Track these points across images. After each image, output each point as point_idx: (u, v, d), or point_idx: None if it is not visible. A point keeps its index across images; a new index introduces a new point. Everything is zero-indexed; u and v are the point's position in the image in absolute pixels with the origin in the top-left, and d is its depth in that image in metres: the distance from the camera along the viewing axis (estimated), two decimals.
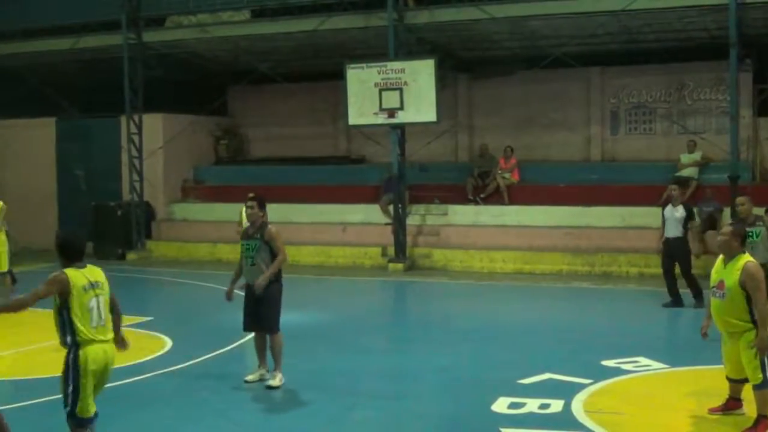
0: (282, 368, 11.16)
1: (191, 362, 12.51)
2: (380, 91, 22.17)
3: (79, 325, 7.50)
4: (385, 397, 10.80)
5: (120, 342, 8.16)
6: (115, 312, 8.05)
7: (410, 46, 23.29)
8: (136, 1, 25.71)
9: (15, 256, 23.58)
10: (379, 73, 22.23)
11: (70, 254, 7.76)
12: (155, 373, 11.97)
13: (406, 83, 21.98)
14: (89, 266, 7.85)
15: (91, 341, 7.57)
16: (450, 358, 12.88)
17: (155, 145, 26.92)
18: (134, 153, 26.26)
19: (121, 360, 12.60)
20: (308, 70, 27.75)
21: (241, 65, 27.12)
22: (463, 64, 26.63)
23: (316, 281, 21.43)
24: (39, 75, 28.19)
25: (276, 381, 11.03)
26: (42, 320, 14.16)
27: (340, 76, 23.06)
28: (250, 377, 11.19)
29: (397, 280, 21.67)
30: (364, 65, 22.53)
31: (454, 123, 26.46)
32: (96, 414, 7.87)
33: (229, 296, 11.35)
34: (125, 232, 26.31)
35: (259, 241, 11.03)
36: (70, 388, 7.63)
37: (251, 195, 17.33)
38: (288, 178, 26.86)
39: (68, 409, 7.68)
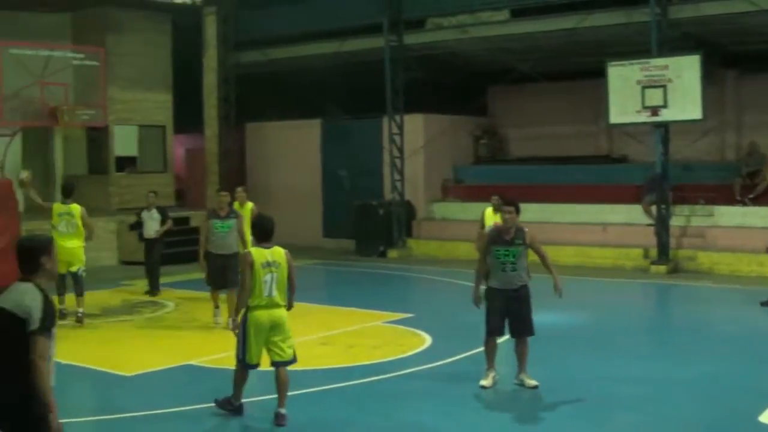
0: None
1: (449, 360, 12.63)
2: (643, 88, 21.71)
3: (254, 293, 9.49)
4: (645, 401, 10.53)
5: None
6: (290, 288, 9.81)
7: (674, 42, 22.61)
8: (397, 4, 26.23)
9: None
10: (641, 71, 21.77)
11: (259, 234, 9.84)
12: (415, 369, 12.15)
13: (670, 80, 21.42)
14: (276, 247, 9.70)
15: (259, 307, 9.52)
16: (713, 364, 12.43)
17: (416, 145, 27.36)
18: (395, 153, 26.78)
19: (384, 355, 12.96)
20: (568, 69, 27.46)
21: (501, 65, 27.16)
22: (730, 59, 25.64)
23: (575, 282, 21.11)
24: (306, 78, 29.21)
25: (535, 381, 10.98)
26: (304, 315, 14.63)
27: (600, 74, 22.70)
28: (486, 382, 11.03)
29: (659, 282, 21.11)
30: (625, 62, 22.12)
31: (720, 120, 25.53)
32: (258, 364, 9.72)
33: (480, 302, 11.12)
34: (386, 230, 26.82)
35: (522, 246, 10.85)
36: (240, 338, 9.62)
37: (496, 197, 17.27)
38: (547, 177, 26.68)
39: (239, 356, 9.67)
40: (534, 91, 28.31)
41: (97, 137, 27.71)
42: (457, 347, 13.15)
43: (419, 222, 27.83)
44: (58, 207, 16.03)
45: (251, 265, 9.47)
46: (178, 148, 31.89)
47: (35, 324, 5.91)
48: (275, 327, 9.59)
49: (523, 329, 11.04)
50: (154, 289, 19.31)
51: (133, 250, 22.80)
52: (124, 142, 28.33)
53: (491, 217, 17.34)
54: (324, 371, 12.10)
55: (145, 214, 19.45)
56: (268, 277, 9.49)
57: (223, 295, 15.23)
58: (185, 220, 26.91)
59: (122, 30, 28.07)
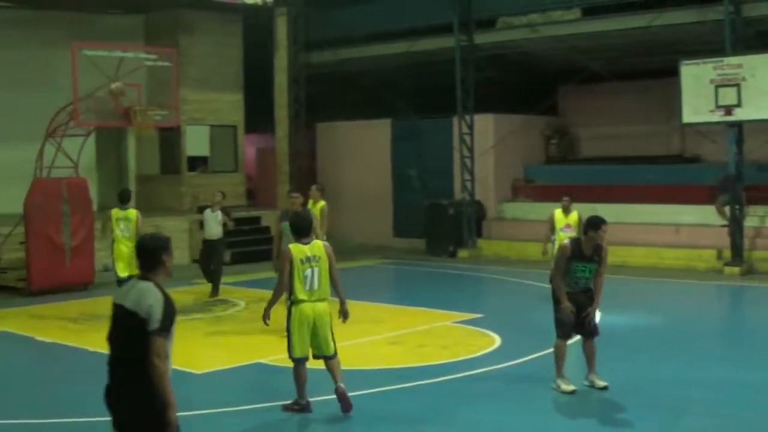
0: None
1: (518, 360, 12.58)
2: (716, 87, 21.39)
3: (295, 288, 9.69)
4: (717, 405, 10.41)
5: (342, 312, 10.15)
6: (334, 284, 9.98)
7: (748, 40, 22.26)
8: (467, 3, 26.17)
9: (350, 253, 24.56)
10: (714, 69, 21.45)
11: (297, 232, 9.99)
12: (484, 369, 12.13)
13: (744, 79, 21.07)
14: (314, 242, 9.95)
15: (302, 301, 9.74)
16: None
17: (486, 145, 27.29)
18: (466, 153, 26.71)
19: (453, 355, 12.96)
20: (640, 68, 27.18)
21: (572, 64, 26.94)
22: None
23: (645, 283, 20.97)
24: (376, 78, 29.27)
25: (604, 381, 10.92)
26: (377, 314, 14.71)
27: (673, 72, 22.43)
28: (572, 386, 10.86)
29: (732, 284, 20.80)
30: (699, 61, 21.83)
31: None
32: (306, 358, 9.95)
33: (568, 312, 10.79)
34: (457, 230, 26.74)
35: (598, 264, 10.78)
36: (287, 335, 9.92)
37: (567, 198, 17.13)
38: (619, 177, 26.42)
39: (288, 350, 9.95)
40: (605, 91, 28.07)
41: (169, 137, 28.04)
42: (526, 348, 13.09)
43: (489, 222, 27.74)
44: (116, 212, 16.78)
45: (291, 261, 9.69)
46: (249, 147, 32.13)
47: (155, 324, 6.00)
48: (319, 320, 9.82)
49: (593, 329, 11.00)
50: (216, 290, 19.14)
51: None
52: (195, 142, 28.61)
53: (561, 219, 17.27)
54: (394, 370, 12.15)
55: (208, 214, 19.18)
56: (308, 271, 9.71)
57: None
58: (256, 220, 27.18)
59: (194, 31, 28.38)
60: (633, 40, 24.37)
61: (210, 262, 19.18)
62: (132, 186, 28.87)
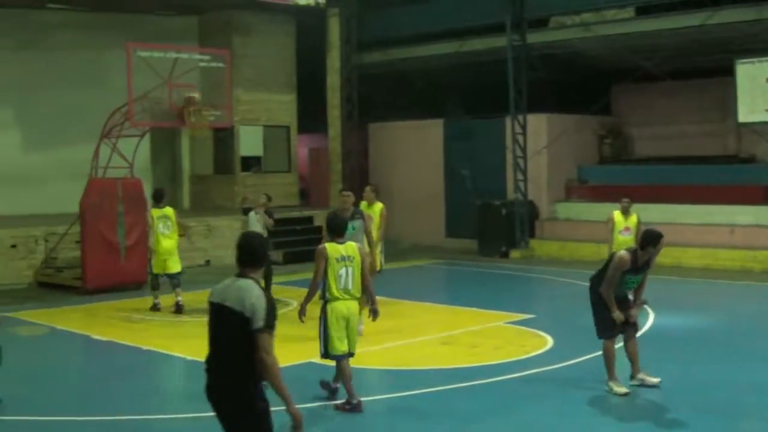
0: None
1: (571, 361, 12.51)
2: None
3: (330, 285, 9.92)
4: None
5: (372, 312, 10.45)
6: (365, 283, 10.19)
7: None
8: (520, 3, 26.08)
9: (402, 253, 24.53)
10: None
11: (332, 231, 10.25)
12: (537, 370, 12.09)
13: None
14: (348, 243, 10.19)
15: (337, 299, 9.96)
16: None
17: (539, 145, 27.17)
18: (518, 153, 26.61)
19: (505, 356, 12.93)
20: (694, 67, 26.92)
21: (625, 63, 26.77)
22: None
23: (700, 284, 20.77)
24: (428, 78, 29.27)
25: (656, 378, 10.97)
26: (429, 314, 14.71)
27: (728, 71, 22.24)
28: (625, 388, 10.84)
29: None
30: (755, 60, 21.63)
31: None
32: (348, 353, 10.12)
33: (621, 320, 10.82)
34: (509, 230, 26.65)
35: (643, 274, 10.85)
36: (321, 332, 10.06)
37: (627, 199, 16.95)
38: (673, 177, 26.17)
39: (322, 351, 10.14)
40: (659, 90, 27.85)
41: (223, 137, 28.25)
42: (579, 349, 12.99)
43: (542, 222, 27.61)
44: (156, 212, 17.41)
45: (327, 259, 9.95)
46: (301, 148, 32.29)
47: (260, 322, 6.04)
48: (352, 318, 10.12)
49: (634, 328, 11.11)
50: (268, 290, 19.03)
51: None
52: (249, 142, 28.83)
53: (621, 222, 17.16)
54: (448, 370, 12.15)
55: (252, 216, 18.59)
56: (342, 270, 9.98)
57: None
58: (309, 219, 27.29)
59: (247, 32, 28.59)
60: (687, 39, 24.16)
61: None
62: (186, 186, 29.20)
